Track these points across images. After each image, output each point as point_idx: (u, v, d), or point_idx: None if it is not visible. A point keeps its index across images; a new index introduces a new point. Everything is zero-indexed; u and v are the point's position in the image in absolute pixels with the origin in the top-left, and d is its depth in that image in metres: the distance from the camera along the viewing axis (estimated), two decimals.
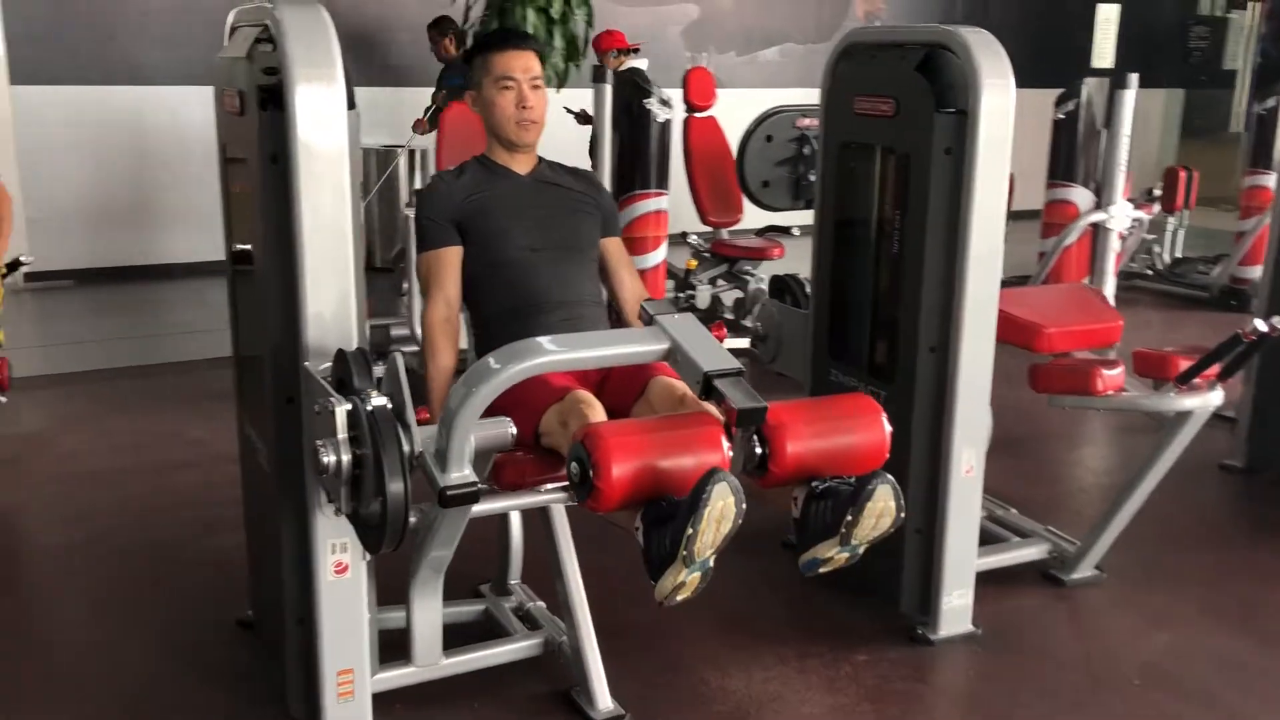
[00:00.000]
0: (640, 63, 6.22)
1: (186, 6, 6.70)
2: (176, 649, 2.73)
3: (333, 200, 2.09)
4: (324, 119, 2.06)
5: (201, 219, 5.82)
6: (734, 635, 2.83)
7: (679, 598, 1.95)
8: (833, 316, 3.05)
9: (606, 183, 5.16)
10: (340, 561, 2.25)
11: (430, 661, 2.50)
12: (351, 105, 2.15)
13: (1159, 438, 2.98)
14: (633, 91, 5.06)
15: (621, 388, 2.38)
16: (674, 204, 5.65)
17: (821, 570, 2.12)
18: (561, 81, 5.81)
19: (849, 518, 1.98)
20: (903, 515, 2.05)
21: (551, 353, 1.99)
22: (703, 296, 5.54)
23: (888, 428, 2.13)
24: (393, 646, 2.50)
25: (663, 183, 5.16)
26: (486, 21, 5.66)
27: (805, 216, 5.37)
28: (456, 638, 2.62)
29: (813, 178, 4.92)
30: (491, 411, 2.03)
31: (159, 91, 6.70)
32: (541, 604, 2.77)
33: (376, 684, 2.44)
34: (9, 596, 3.03)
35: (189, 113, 6.64)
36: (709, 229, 5.87)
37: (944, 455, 2.72)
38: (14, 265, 4.25)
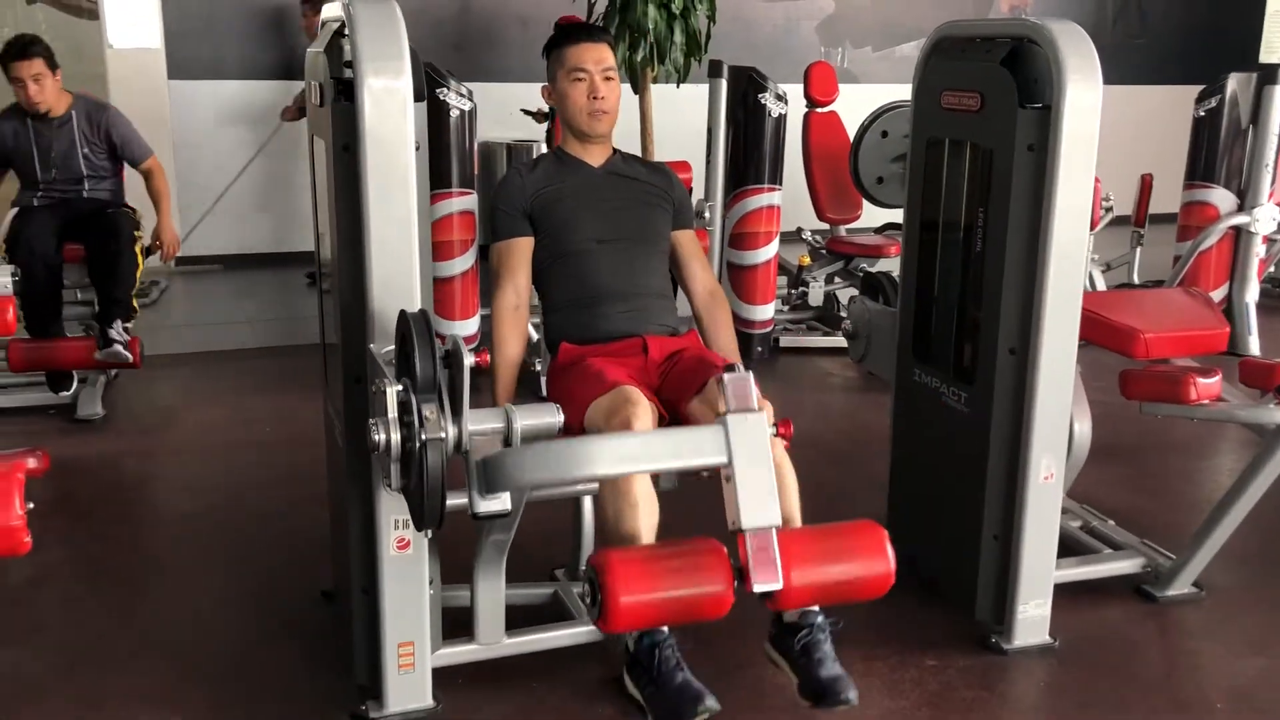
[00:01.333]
0: None
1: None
2: (264, 616, 2.87)
3: (398, 190, 2.18)
4: (391, 111, 2.14)
5: None
6: None
7: None
8: (918, 316, 3.00)
9: (719, 178, 5.18)
10: (402, 538, 2.33)
11: (492, 640, 2.57)
12: (420, 98, 2.22)
13: (1260, 450, 2.83)
14: (748, 85, 5.05)
15: (681, 383, 2.41)
16: (791, 200, 5.64)
17: None
18: (682, 77, 5.83)
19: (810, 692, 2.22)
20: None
21: (602, 460, 2.01)
22: (815, 294, 5.50)
23: (892, 558, 2.14)
24: (459, 623, 2.57)
25: (776, 178, 5.14)
26: (609, 16, 5.72)
27: (894, 215, 5.29)
28: (524, 618, 2.68)
29: None
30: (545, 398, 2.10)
31: (298, 86, 7.00)
32: None
33: (439, 659, 2.53)
34: (129, 555, 3.24)
35: None
36: (826, 226, 5.81)
37: (1022, 461, 2.65)
38: (149, 252, 4.53)
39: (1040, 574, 2.73)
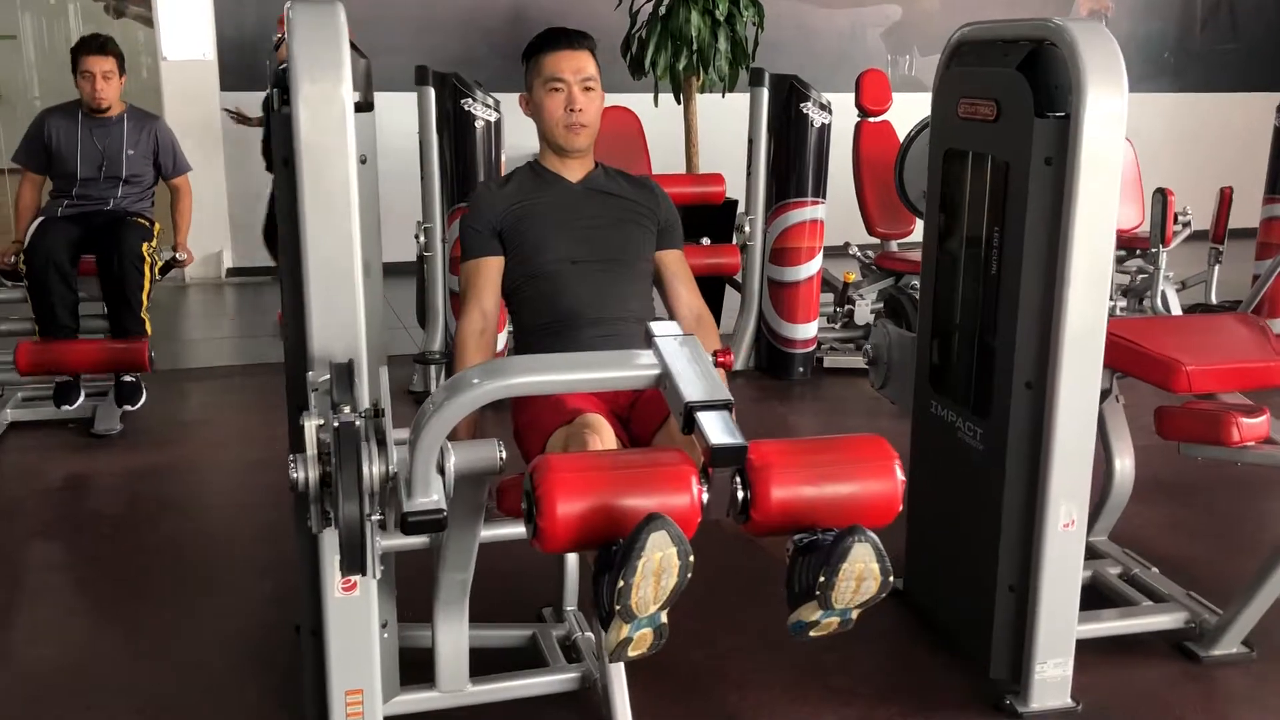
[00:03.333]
0: None
1: (381, 16, 6.95)
2: (241, 646, 2.75)
3: (338, 204, 2.02)
4: (329, 120, 1.98)
5: (393, 220, 6.00)
6: (800, 685, 2.60)
7: (631, 654, 1.77)
8: (936, 343, 2.76)
9: (760, 191, 4.97)
10: (347, 579, 2.18)
11: (455, 688, 2.40)
12: (367, 107, 2.08)
13: None
14: (790, 94, 4.84)
15: (647, 414, 2.22)
16: (841, 214, 5.40)
17: (812, 634, 1.88)
18: (729, 87, 5.63)
19: (822, 579, 1.74)
20: (890, 580, 1.78)
21: (533, 371, 1.84)
22: (861, 312, 5.24)
23: (900, 477, 1.86)
24: (422, 666, 2.41)
25: (819, 191, 4.91)
26: (651, 23, 5.55)
27: None
28: (498, 662, 2.52)
29: None
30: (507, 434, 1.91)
31: (382, 97, 6.94)
32: (590, 635, 2.63)
33: (397, 706, 2.37)
34: (116, 575, 3.15)
35: (389, 118, 6.86)
36: (876, 241, 5.55)
37: (1039, 506, 2.40)
38: (169, 266, 4.47)
39: (1060, 630, 2.47)
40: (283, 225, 2.11)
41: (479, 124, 4.36)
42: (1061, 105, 2.30)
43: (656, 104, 5.83)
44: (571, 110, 2.44)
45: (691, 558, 1.67)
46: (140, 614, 2.94)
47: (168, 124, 4.72)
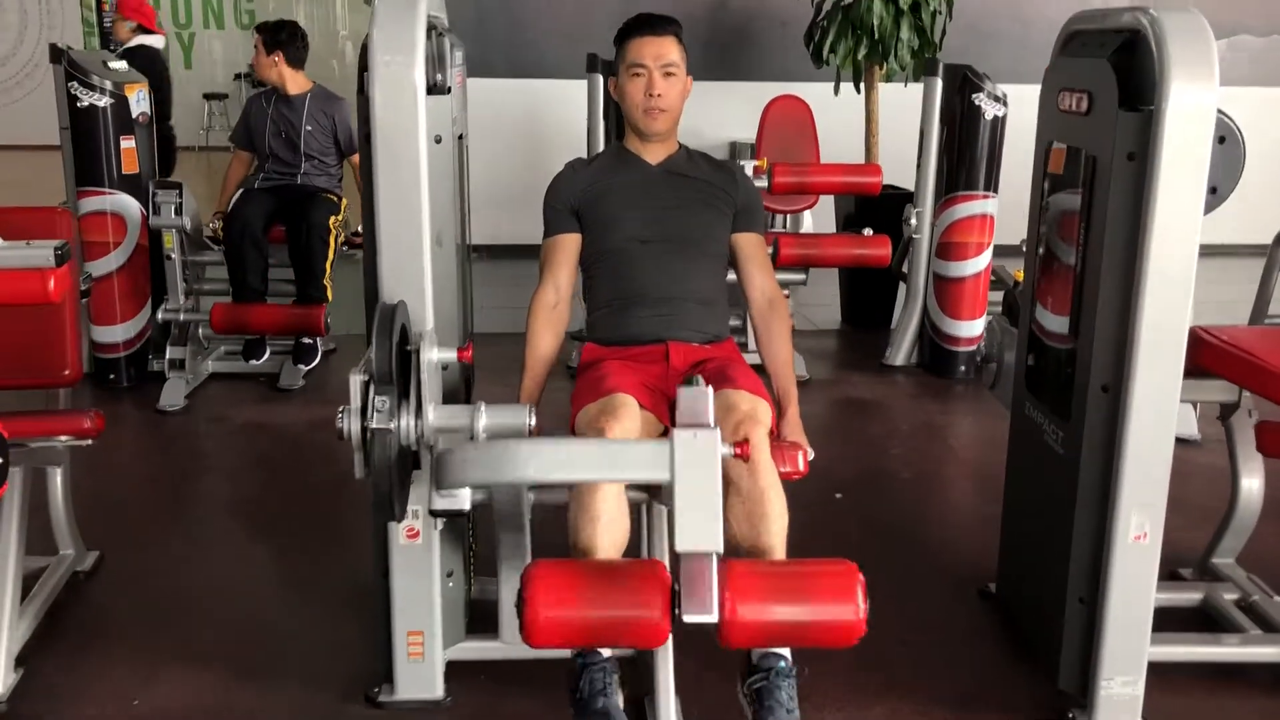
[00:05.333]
0: (154, 40, 5.94)
1: (592, 5, 7.19)
2: (342, 595, 2.96)
3: (408, 182, 2.18)
4: (400, 102, 2.14)
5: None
6: (859, 675, 2.59)
7: None
8: (1031, 343, 2.68)
9: (929, 183, 4.87)
10: (411, 527, 2.35)
11: (515, 640, 2.51)
12: (444, 90, 2.22)
13: None
14: (963, 85, 4.71)
15: None
16: (1018, 210, 5.21)
17: None
18: (913, 76, 5.52)
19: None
20: None
21: (535, 465, 1.88)
22: None
23: (862, 605, 1.91)
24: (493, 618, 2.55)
25: (991, 184, 4.76)
26: (833, 12, 5.51)
27: None
28: None
29: None
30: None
31: (555, 84, 7.23)
32: None
33: (460, 652, 2.53)
34: (257, 513, 3.48)
35: (582, 104, 7.13)
36: None
37: (1110, 517, 2.31)
38: (353, 239, 4.84)
39: (1129, 648, 2.36)
40: (364, 198, 2.29)
41: None
42: (1151, 99, 2.19)
43: (837, 93, 5.79)
44: (651, 95, 2.51)
45: None
46: (271, 553, 3.23)
47: (348, 103, 5.06)
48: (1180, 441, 4.06)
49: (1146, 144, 2.16)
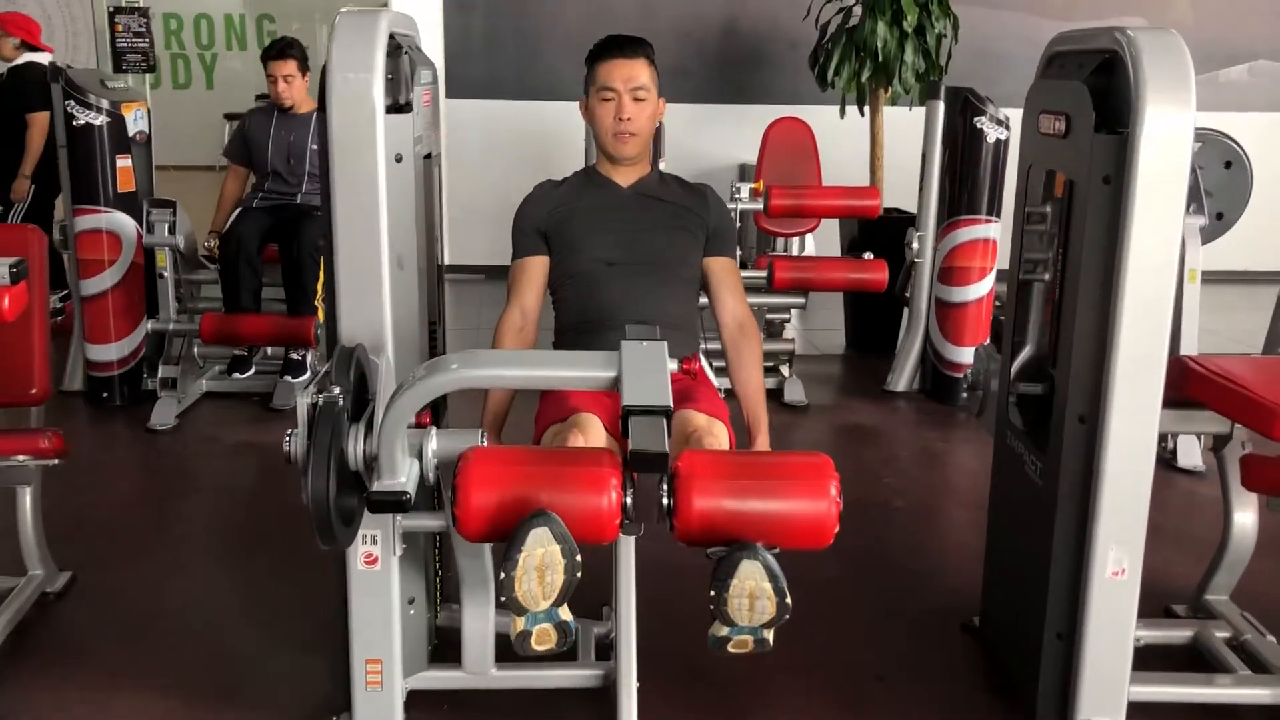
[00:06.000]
0: (40, 57, 5.68)
1: (589, 30, 7.18)
2: (315, 621, 2.91)
3: (366, 201, 2.15)
4: (356, 119, 2.11)
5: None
6: (828, 711, 2.52)
7: (537, 648, 1.79)
8: (1014, 371, 2.62)
9: (931, 207, 4.81)
10: (370, 553, 2.30)
11: (480, 670, 2.48)
12: (405, 109, 2.19)
13: None
14: (964, 108, 4.65)
15: None
16: None
17: (731, 650, 1.83)
18: (919, 100, 5.46)
19: (713, 593, 1.69)
20: (787, 601, 1.71)
21: (503, 365, 1.88)
22: None
23: (835, 498, 1.77)
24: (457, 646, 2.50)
25: (993, 209, 4.70)
26: (836, 35, 5.46)
27: None
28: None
29: None
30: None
31: (566, 106, 7.21)
32: None
33: (421, 681, 2.48)
34: (226, 534, 3.44)
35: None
36: None
37: (1087, 552, 2.24)
38: None
39: (1108, 688, 2.29)
40: (323, 217, 2.26)
41: None
42: (1129, 121, 2.13)
43: (843, 115, 5.75)
44: (620, 119, 2.48)
45: (578, 556, 1.68)
46: (246, 576, 3.18)
47: None
48: (1185, 473, 4.04)
49: (1122, 168, 2.10)
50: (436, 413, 2.57)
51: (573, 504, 1.76)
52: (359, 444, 1.97)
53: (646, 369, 1.77)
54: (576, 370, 1.89)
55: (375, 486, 1.94)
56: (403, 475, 1.96)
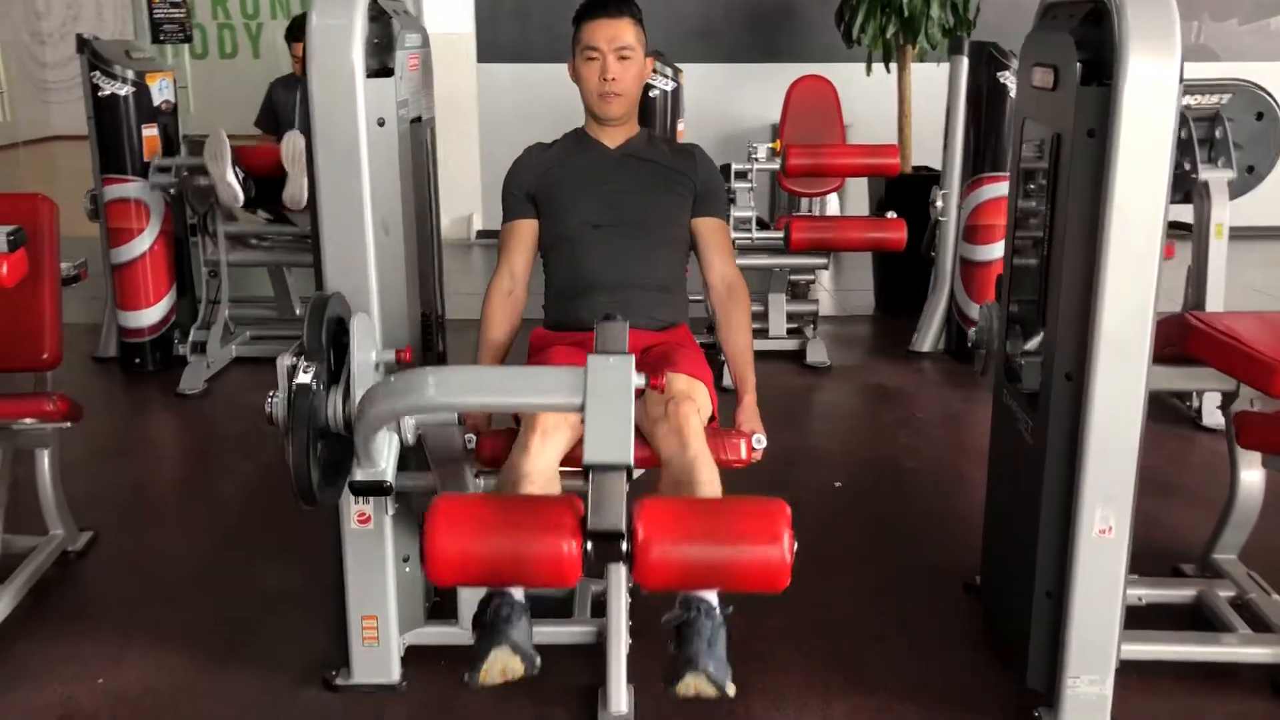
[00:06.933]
0: None
1: None
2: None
3: (349, 167, 2.17)
4: (337, 86, 2.13)
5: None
6: (825, 671, 2.54)
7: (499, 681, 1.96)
8: (1009, 328, 2.59)
9: (955, 165, 4.75)
10: (362, 512, 2.35)
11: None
12: (387, 73, 2.21)
13: None
14: (987, 63, 4.57)
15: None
16: None
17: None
18: (946, 56, 5.37)
19: (664, 685, 1.92)
20: (728, 693, 1.92)
21: (452, 390, 1.91)
22: None
23: (788, 547, 1.80)
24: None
25: None
26: None
27: (1186, 212, 4.57)
28: (534, 609, 2.61)
29: (1189, 168, 4.10)
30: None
31: None
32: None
33: (420, 637, 2.54)
34: (246, 504, 3.52)
35: None
36: None
37: (1074, 510, 2.22)
38: None
39: (1096, 645, 2.27)
40: (309, 182, 2.29)
41: (654, 93, 4.42)
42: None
43: (869, 73, 5.66)
44: (605, 79, 2.47)
45: (537, 660, 1.90)
46: (261, 537, 3.24)
47: None
48: (1210, 432, 3.97)
49: (1107, 120, 2.06)
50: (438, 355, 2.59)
51: (535, 557, 1.82)
52: (338, 410, 2.01)
53: (611, 402, 1.75)
54: (543, 397, 1.88)
55: (357, 476, 1.99)
56: (382, 462, 2.00)
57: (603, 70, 2.48)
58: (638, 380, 1.74)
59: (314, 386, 1.93)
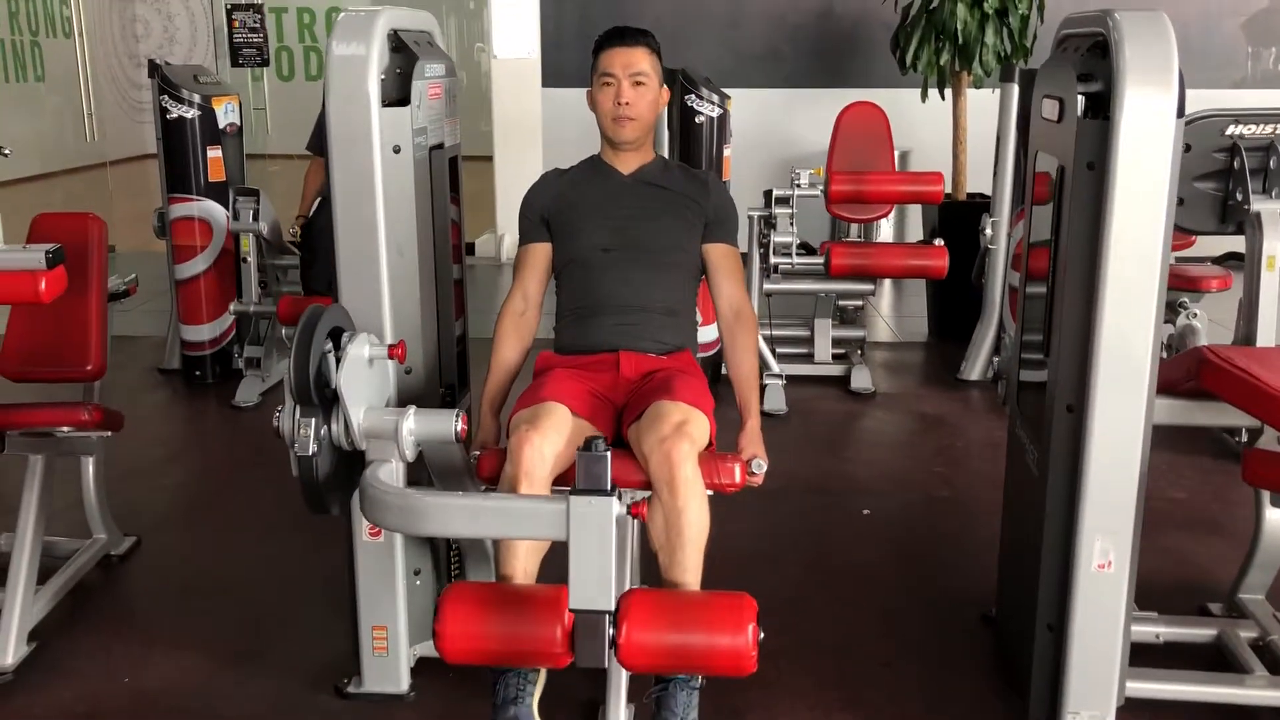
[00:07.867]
0: None
1: (685, 14, 7.24)
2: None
3: (364, 192, 2.26)
4: (353, 113, 2.22)
5: None
6: (825, 693, 2.54)
7: None
8: (1022, 359, 2.58)
9: (1005, 192, 4.72)
10: (374, 525, 2.42)
11: None
12: (404, 102, 2.29)
13: None
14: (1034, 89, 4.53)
15: (638, 403, 2.31)
16: None
17: None
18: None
19: None
20: None
21: (437, 521, 2.06)
22: None
23: (751, 637, 1.96)
24: None
25: None
26: (917, 18, 5.37)
27: (1237, 243, 4.47)
28: None
29: (1242, 198, 4.01)
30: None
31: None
32: None
33: (429, 649, 2.58)
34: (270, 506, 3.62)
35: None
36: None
37: (1074, 543, 2.21)
38: None
39: (1097, 680, 2.25)
40: (324, 205, 2.38)
41: (700, 119, 4.48)
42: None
43: (924, 99, 5.65)
44: (619, 104, 2.53)
45: None
46: (298, 545, 3.32)
47: None
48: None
49: (1106, 153, 2.06)
50: (451, 392, 2.66)
51: (530, 653, 2.04)
52: (341, 437, 2.09)
53: (593, 546, 1.84)
54: (526, 529, 1.99)
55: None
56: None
57: (617, 95, 2.54)
58: (618, 510, 1.84)
59: (313, 450, 2.02)
